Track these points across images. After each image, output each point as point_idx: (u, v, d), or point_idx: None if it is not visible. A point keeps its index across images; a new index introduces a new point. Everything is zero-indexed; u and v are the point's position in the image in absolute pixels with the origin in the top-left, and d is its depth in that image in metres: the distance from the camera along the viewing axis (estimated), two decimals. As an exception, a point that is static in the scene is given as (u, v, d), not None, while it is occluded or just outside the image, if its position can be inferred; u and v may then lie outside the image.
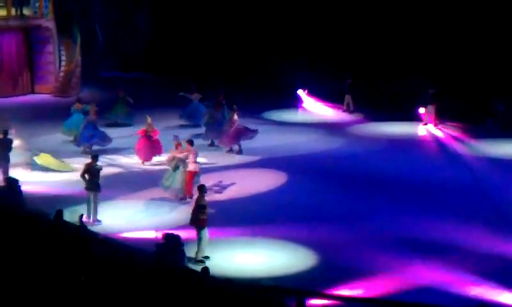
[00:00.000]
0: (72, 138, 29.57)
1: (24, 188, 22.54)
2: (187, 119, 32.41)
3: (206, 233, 19.69)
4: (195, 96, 32.27)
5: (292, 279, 18.63)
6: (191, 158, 23.65)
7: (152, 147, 27.49)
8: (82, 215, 20.75)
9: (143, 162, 27.31)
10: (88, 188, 22.18)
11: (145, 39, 45.50)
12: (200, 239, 19.57)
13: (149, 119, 27.88)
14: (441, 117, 32.96)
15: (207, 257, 19.50)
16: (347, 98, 35.57)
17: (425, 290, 17.97)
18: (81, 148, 28.47)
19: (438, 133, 32.12)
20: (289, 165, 27.25)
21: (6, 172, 25.01)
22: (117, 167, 27.18)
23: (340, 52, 38.13)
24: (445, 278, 18.52)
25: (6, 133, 25.60)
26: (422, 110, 33.05)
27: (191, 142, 24.19)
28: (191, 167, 23.55)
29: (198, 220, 19.63)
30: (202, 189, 19.88)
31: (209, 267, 16.88)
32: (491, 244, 20.43)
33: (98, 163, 22.64)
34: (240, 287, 16.78)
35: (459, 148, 29.76)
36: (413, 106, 33.29)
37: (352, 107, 35.47)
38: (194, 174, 23.47)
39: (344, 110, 35.64)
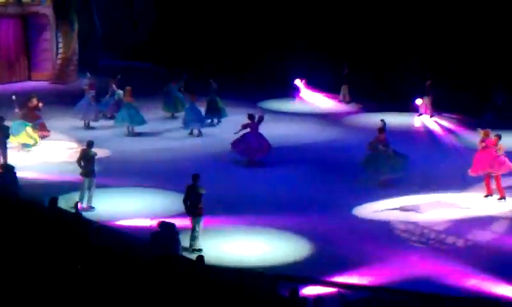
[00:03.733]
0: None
1: (21, 174, 22.54)
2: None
3: (201, 222, 19.68)
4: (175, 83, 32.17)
5: (286, 267, 18.62)
6: None
7: None
8: (77, 203, 20.73)
9: None
10: (83, 174, 22.20)
11: (146, 29, 45.38)
12: (194, 228, 19.55)
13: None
14: (439, 108, 32.93)
15: (200, 249, 19.47)
16: (344, 89, 35.55)
17: (421, 280, 17.94)
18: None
19: (433, 124, 32.10)
20: (285, 155, 27.23)
21: (5, 158, 25.08)
22: (113, 154, 27.17)
23: (337, 42, 38.05)
24: (441, 269, 18.54)
25: (2, 119, 25.62)
26: (419, 101, 33.03)
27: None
28: None
29: (195, 209, 19.61)
30: (198, 178, 19.84)
31: (204, 255, 16.88)
32: (487, 235, 20.47)
33: (93, 149, 22.63)
34: (234, 275, 16.76)
35: (454, 139, 29.75)
36: (410, 97, 33.26)
37: (349, 98, 35.44)
38: None
39: (340, 101, 35.63)
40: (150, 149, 28.04)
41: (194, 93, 30.17)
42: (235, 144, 26.54)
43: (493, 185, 23.14)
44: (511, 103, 31.70)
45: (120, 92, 31.08)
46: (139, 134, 30.02)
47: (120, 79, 31.89)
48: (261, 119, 26.71)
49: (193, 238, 19.54)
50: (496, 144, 23.22)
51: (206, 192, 19.75)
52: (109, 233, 18.60)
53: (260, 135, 26.49)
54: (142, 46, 44.45)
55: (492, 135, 23.51)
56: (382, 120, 25.95)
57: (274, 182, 24.68)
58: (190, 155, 27.21)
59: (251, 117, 26.76)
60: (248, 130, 26.43)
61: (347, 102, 35.38)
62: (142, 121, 30.08)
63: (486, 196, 23.17)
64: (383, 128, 25.06)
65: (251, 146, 26.21)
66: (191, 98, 30.01)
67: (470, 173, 23.52)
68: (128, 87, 30.36)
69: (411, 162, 25.54)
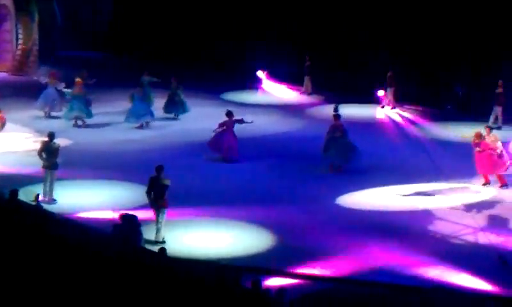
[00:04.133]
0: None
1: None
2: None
3: (165, 214, 19.61)
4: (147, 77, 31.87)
5: (249, 259, 18.64)
6: None
7: None
8: (38, 195, 20.56)
9: None
10: (45, 166, 22.00)
11: (106, 19, 45.07)
12: (160, 220, 19.48)
13: None
14: (401, 100, 33.12)
15: (163, 241, 19.41)
16: (306, 80, 35.62)
17: (380, 271, 18.05)
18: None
19: (395, 116, 32.29)
20: (248, 147, 27.21)
21: None
22: (76, 146, 26.99)
23: (300, 33, 38.09)
24: (401, 259, 18.64)
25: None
26: (381, 92, 33.20)
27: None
28: None
29: (159, 201, 19.53)
30: (162, 170, 19.77)
31: (166, 248, 16.83)
32: (446, 225, 20.62)
33: (56, 141, 22.44)
34: (197, 267, 16.75)
35: (415, 130, 29.94)
36: (372, 89, 33.41)
37: (311, 89, 35.52)
38: None
39: (303, 92, 35.71)
40: (113, 141, 27.89)
41: (142, 87, 29.97)
42: (212, 142, 26.22)
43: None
44: (472, 94, 31.91)
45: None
46: (101, 125, 29.82)
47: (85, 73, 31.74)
48: (241, 121, 26.49)
49: (158, 230, 19.46)
50: (491, 145, 23.06)
51: (170, 184, 19.68)
52: (69, 225, 18.49)
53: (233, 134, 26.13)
54: (101, 36, 44.18)
55: (484, 133, 23.38)
56: (335, 105, 26.39)
57: (238, 174, 24.67)
58: (153, 147, 27.10)
59: (229, 114, 26.52)
60: (225, 127, 26.06)
61: (309, 94, 35.46)
62: (90, 115, 29.82)
63: (485, 185, 23.40)
64: (337, 114, 25.40)
65: (224, 145, 25.87)
66: (139, 92, 29.71)
67: (479, 172, 23.47)
68: (78, 79, 29.95)
69: (375, 154, 25.73)
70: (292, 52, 36.75)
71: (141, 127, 29.43)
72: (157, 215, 19.51)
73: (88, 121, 29.79)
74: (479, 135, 23.28)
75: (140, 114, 29.49)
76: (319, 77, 35.55)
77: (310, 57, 35.46)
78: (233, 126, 26.17)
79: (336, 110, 26.09)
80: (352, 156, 25.03)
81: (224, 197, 22.44)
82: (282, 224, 20.58)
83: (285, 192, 23.11)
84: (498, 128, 28.88)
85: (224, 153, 25.88)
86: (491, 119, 29.51)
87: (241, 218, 20.99)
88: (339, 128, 24.98)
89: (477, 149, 23.23)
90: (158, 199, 19.55)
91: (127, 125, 29.52)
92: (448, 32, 34.37)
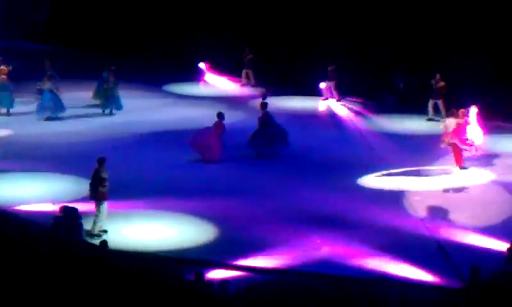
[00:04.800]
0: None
1: None
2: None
3: (105, 206, 19.43)
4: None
5: (193, 252, 18.61)
6: None
7: None
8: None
9: None
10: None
11: (45, 9, 44.43)
12: (98, 212, 19.30)
13: None
14: (342, 92, 33.28)
15: (105, 231, 19.25)
16: (246, 73, 35.60)
17: (324, 263, 18.16)
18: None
19: (339, 108, 32.42)
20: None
21: None
22: (16, 138, 26.61)
23: (242, 25, 38.00)
24: (344, 251, 18.77)
25: None
26: (322, 85, 33.29)
27: None
28: None
29: (98, 193, 19.35)
30: (102, 162, 19.57)
31: (108, 240, 16.69)
32: (388, 217, 20.77)
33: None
34: (138, 260, 16.63)
35: (359, 123, 30.09)
36: (314, 81, 33.50)
37: (253, 82, 35.50)
38: None
39: (243, 84, 35.69)
40: (52, 133, 27.51)
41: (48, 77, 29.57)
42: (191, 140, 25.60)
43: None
44: (413, 86, 32.15)
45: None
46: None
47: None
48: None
49: (95, 222, 19.27)
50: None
51: (110, 175, 19.51)
52: (7, 218, 18.21)
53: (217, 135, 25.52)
54: (40, 26, 43.54)
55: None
56: (263, 93, 27.40)
57: (180, 166, 24.54)
58: (95, 139, 26.79)
59: (263, 105, 26.33)
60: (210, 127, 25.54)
61: (252, 86, 35.43)
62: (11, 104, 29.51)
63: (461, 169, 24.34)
64: (265, 102, 26.09)
65: (203, 144, 25.28)
66: (51, 86, 29.37)
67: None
68: (2, 67, 29.49)
69: (318, 147, 25.85)
70: (234, 43, 36.60)
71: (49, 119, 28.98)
72: (97, 208, 19.33)
73: (30, 112, 29.34)
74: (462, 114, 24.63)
75: (46, 107, 29.07)
76: (261, 69, 35.51)
77: (250, 50, 35.44)
78: (220, 130, 25.43)
79: (264, 98, 26.57)
80: (283, 141, 25.57)
81: (168, 189, 22.31)
82: (225, 216, 20.55)
83: (228, 184, 23.08)
84: (438, 121, 29.24)
85: (202, 152, 25.33)
86: (430, 111, 29.85)
87: (184, 210, 20.90)
88: (265, 118, 25.60)
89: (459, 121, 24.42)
90: (97, 191, 19.35)
91: (87, 116, 29.36)
92: (389, 26, 34.61)
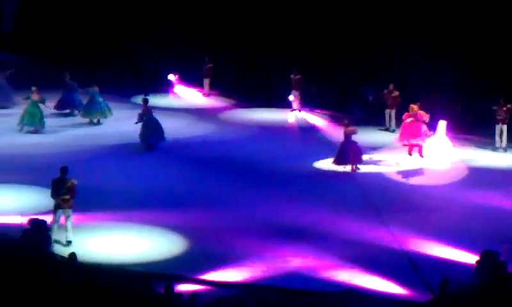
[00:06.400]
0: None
1: None
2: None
3: (70, 216, 19.30)
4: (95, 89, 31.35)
5: (162, 265, 18.51)
6: None
7: None
8: None
9: None
10: None
11: (11, 19, 44.19)
12: (64, 222, 19.18)
13: None
14: (308, 104, 33.38)
15: (69, 242, 19.15)
16: (206, 82, 35.79)
17: (293, 276, 18.15)
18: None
19: (305, 119, 32.51)
20: (161, 151, 27.09)
21: None
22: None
23: (208, 36, 38.11)
24: (313, 263, 18.76)
25: None
26: (291, 97, 33.40)
27: None
28: None
29: (64, 202, 19.22)
30: (66, 171, 19.46)
31: (77, 252, 16.56)
32: (357, 230, 20.78)
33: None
34: (108, 273, 16.54)
35: (325, 134, 30.16)
36: (281, 92, 33.61)
37: (208, 91, 35.76)
38: None
39: (205, 94, 35.85)
40: (24, 144, 27.33)
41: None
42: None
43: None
44: (380, 99, 32.28)
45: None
46: (14, 128, 29.25)
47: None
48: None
49: (68, 230, 19.18)
50: (424, 117, 26.41)
51: (78, 188, 19.41)
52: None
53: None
54: (7, 36, 43.31)
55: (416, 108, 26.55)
56: (145, 93, 29.23)
57: (150, 178, 24.45)
58: (65, 150, 26.66)
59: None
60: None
61: (208, 95, 35.68)
62: None
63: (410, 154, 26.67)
64: (146, 99, 28.23)
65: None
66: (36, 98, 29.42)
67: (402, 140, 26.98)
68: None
69: (285, 158, 25.96)
70: (202, 54, 36.63)
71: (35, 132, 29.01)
72: (62, 217, 19.22)
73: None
74: (414, 108, 26.47)
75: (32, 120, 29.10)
76: (228, 80, 35.67)
77: (209, 59, 35.62)
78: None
79: (146, 94, 29.07)
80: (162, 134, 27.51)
81: (135, 200, 22.21)
82: (194, 228, 20.48)
83: (195, 196, 22.99)
84: (393, 131, 29.54)
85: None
86: (387, 122, 30.19)
87: (153, 222, 20.80)
88: (147, 113, 27.63)
89: (410, 119, 26.40)
90: (64, 200, 19.23)
91: (56, 127, 29.49)
92: (357, 38, 34.79)
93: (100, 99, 30.65)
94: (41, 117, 29.31)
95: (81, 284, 14.86)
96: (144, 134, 27.37)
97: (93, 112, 30.60)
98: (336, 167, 25.39)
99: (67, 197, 19.28)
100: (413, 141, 26.56)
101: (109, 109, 30.80)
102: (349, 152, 25.26)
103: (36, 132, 28.99)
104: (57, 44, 40.81)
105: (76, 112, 31.37)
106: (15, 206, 21.50)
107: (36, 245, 17.64)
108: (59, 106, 31.52)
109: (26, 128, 29.08)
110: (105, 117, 30.61)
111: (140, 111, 27.88)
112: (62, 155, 25.51)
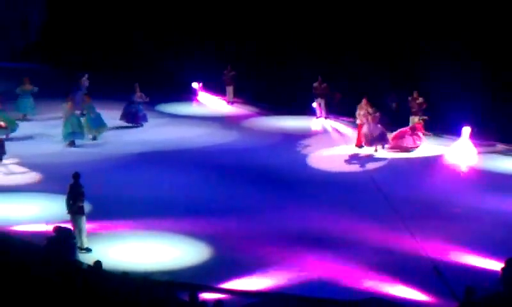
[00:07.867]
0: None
1: None
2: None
3: (84, 221, 19.37)
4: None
5: (186, 273, 18.52)
6: None
7: None
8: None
9: None
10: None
11: (37, 30, 44.52)
12: (79, 227, 19.24)
13: None
14: (333, 111, 33.37)
15: (89, 249, 19.23)
16: (230, 90, 35.82)
17: (317, 284, 18.10)
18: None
19: (329, 127, 32.47)
20: (184, 159, 27.14)
21: None
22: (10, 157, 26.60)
23: (233, 45, 38.23)
24: (337, 271, 18.70)
25: None
26: (314, 104, 33.37)
27: None
28: None
29: (76, 208, 19.30)
30: (78, 176, 19.55)
31: (101, 260, 16.63)
32: (380, 237, 20.71)
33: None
34: (133, 281, 16.57)
35: (349, 142, 30.11)
36: (306, 99, 33.61)
37: (232, 99, 35.76)
38: None
39: (229, 102, 35.88)
40: (49, 153, 27.46)
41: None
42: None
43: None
44: (404, 106, 32.17)
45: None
46: (39, 137, 29.50)
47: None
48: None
49: (80, 236, 19.23)
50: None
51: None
52: (2, 239, 18.16)
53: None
54: (33, 47, 43.62)
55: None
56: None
57: (173, 186, 24.50)
58: (90, 159, 26.76)
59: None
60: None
61: (232, 103, 35.70)
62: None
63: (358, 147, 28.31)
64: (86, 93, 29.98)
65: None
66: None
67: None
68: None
69: (309, 166, 25.87)
70: (226, 62, 36.74)
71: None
72: (76, 223, 19.29)
73: (24, 132, 29.31)
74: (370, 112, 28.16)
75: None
76: (252, 88, 35.74)
77: (232, 67, 35.66)
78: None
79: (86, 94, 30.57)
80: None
81: (158, 208, 22.25)
82: (218, 236, 20.49)
83: (219, 204, 23.00)
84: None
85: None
86: None
87: (175, 231, 20.83)
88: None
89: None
90: (74, 206, 19.29)
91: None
92: (376, 44, 34.81)
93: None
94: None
95: (106, 292, 14.92)
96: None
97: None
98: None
99: (79, 204, 19.35)
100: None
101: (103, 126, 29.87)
102: (376, 131, 27.88)
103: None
104: (81, 53, 41.06)
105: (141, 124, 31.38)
106: (40, 214, 21.58)
107: (61, 253, 17.76)
108: (126, 118, 31.35)
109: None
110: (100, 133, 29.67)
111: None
112: (89, 164, 25.65)
